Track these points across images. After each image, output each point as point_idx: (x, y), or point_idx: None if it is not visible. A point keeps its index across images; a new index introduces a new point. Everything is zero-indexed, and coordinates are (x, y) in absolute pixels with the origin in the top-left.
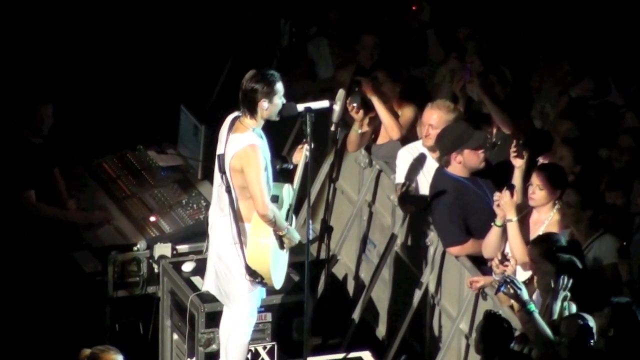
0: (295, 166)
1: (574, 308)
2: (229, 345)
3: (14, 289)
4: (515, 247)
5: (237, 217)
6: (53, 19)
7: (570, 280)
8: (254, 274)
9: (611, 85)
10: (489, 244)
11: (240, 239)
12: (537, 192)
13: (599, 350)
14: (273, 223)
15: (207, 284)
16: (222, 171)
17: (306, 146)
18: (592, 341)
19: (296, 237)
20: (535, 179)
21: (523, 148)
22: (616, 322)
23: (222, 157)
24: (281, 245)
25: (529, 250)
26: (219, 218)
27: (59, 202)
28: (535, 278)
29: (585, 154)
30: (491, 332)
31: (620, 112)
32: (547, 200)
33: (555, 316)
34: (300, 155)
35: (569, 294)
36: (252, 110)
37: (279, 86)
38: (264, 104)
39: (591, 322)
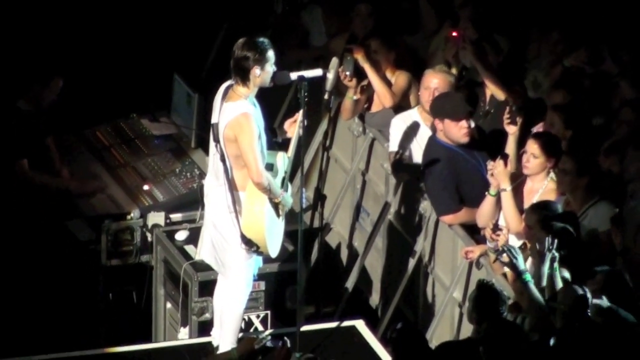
0: (285, 140)
1: (566, 274)
2: (223, 314)
3: (7, 257)
4: (510, 216)
5: (232, 186)
6: None
7: (556, 241)
8: (249, 243)
9: (605, 54)
10: (483, 213)
11: (235, 208)
12: (532, 160)
13: (593, 321)
14: (268, 191)
15: (202, 253)
16: (217, 140)
17: (300, 115)
18: (588, 312)
19: (289, 201)
20: (529, 147)
21: (516, 114)
22: (607, 289)
23: (216, 126)
24: (277, 213)
25: (525, 217)
26: (214, 187)
27: (53, 170)
28: (529, 245)
29: (577, 119)
30: (484, 301)
31: (614, 81)
32: (541, 168)
33: (544, 278)
34: (294, 127)
35: (556, 255)
36: (245, 78)
37: (271, 53)
38: (256, 71)
39: (589, 294)
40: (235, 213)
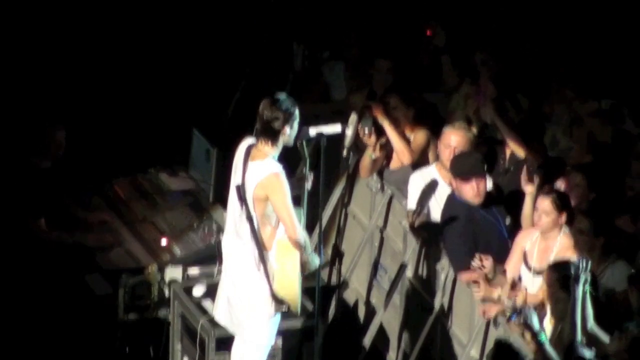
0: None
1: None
2: None
3: (26, 312)
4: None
5: (259, 246)
6: (62, 41)
7: (590, 263)
8: (280, 302)
9: (625, 114)
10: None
11: (264, 267)
12: (544, 217)
13: None
14: (303, 247)
15: (217, 314)
16: (243, 200)
17: (306, 172)
18: None
19: (316, 262)
20: (540, 205)
21: (534, 173)
22: (634, 349)
23: (242, 187)
24: (302, 270)
25: (546, 275)
26: (236, 247)
27: (70, 226)
28: (549, 306)
29: (599, 181)
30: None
31: (634, 140)
32: (554, 224)
33: (579, 302)
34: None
35: (589, 278)
36: (275, 139)
37: (297, 111)
38: (287, 130)
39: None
40: (265, 272)
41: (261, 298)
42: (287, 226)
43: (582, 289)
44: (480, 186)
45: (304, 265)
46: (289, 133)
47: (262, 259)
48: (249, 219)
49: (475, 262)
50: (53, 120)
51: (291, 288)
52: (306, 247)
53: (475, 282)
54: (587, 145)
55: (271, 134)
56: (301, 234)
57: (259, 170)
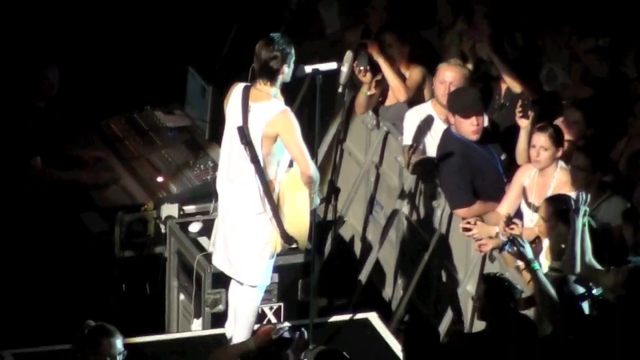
0: None
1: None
2: (239, 308)
3: (22, 250)
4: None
5: (266, 185)
6: None
7: (589, 196)
8: (289, 239)
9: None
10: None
11: (271, 206)
12: (542, 153)
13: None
14: (314, 184)
15: (215, 259)
16: (247, 142)
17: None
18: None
19: (317, 200)
20: (537, 141)
21: (529, 108)
22: (631, 283)
23: (244, 129)
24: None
25: (541, 210)
26: (234, 190)
27: (65, 164)
28: (546, 240)
29: (598, 118)
30: (494, 292)
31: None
32: (552, 160)
33: (578, 234)
34: None
35: (588, 209)
36: (273, 78)
37: (293, 49)
38: (284, 68)
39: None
40: (273, 212)
41: (265, 239)
42: (300, 163)
43: (581, 221)
44: (479, 122)
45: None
46: (287, 72)
47: (270, 199)
48: (255, 160)
49: (501, 225)
50: (47, 59)
51: (302, 224)
52: (315, 184)
53: (469, 223)
54: (583, 81)
55: (269, 74)
56: (314, 169)
57: (266, 110)
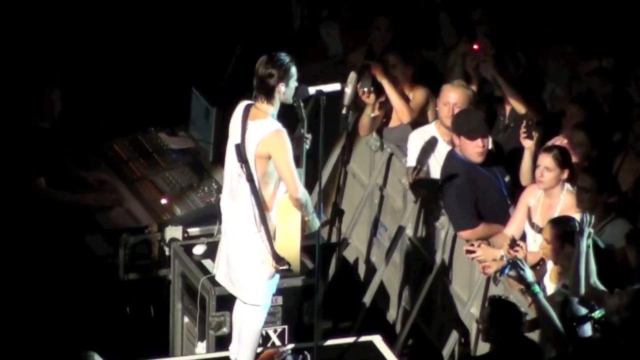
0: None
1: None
2: (242, 329)
3: (26, 272)
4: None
5: (260, 206)
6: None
7: (593, 218)
8: (281, 261)
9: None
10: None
11: (264, 227)
12: (546, 174)
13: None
14: (304, 207)
15: (218, 276)
16: (243, 160)
17: (304, 132)
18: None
19: (317, 223)
20: (542, 161)
21: (533, 128)
22: (635, 305)
23: (241, 146)
24: (303, 230)
25: (546, 231)
26: (235, 208)
27: (71, 185)
28: (550, 264)
29: (602, 138)
30: (499, 315)
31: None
32: (556, 181)
33: (583, 256)
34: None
35: (592, 231)
36: (270, 96)
37: (294, 69)
38: (281, 88)
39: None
40: (266, 232)
41: (261, 259)
42: (288, 184)
43: (585, 243)
44: (484, 144)
45: (305, 225)
46: (284, 91)
47: (263, 219)
48: (250, 179)
49: (504, 248)
50: (52, 80)
51: (292, 247)
52: (307, 207)
53: (473, 245)
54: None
55: (266, 91)
56: (303, 192)
57: (260, 128)
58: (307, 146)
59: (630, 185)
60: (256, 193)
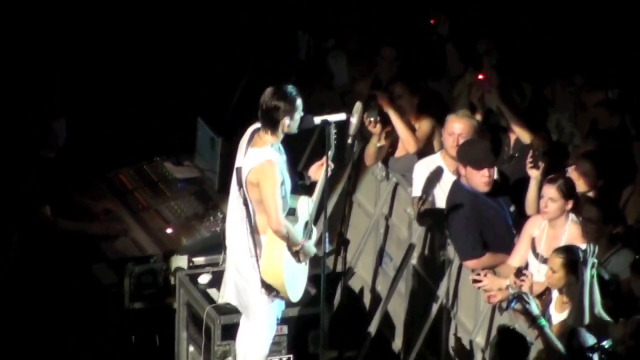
0: (312, 182)
1: (604, 314)
2: (247, 358)
3: (33, 301)
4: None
5: (254, 230)
6: (65, 31)
7: (597, 248)
8: (269, 288)
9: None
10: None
11: (256, 252)
12: (550, 204)
13: None
14: (287, 238)
15: (226, 296)
16: (240, 184)
17: (327, 159)
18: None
19: (312, 250)
20: (546, 192)
21: (539, 158)
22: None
23: (240, 170)
24: (297, 259)
25: (551, 261)
26: (235, 230)
27: (75, 215)
28: (555, 293)
29: (607, 169)
30: (508, 346)
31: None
32: (560, 212)
33: (587, 286)
34: (320, 170)
35: (596, 262)
36: (274, 128)
37: (299, 102)
38: (286, 121)
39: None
40: (256, 257)
41: (255, 282)
42: (269, 215)
43: (589, 273)
44: (491, 174)
45: (298, 254)
46: (288, 124)
47: (255, 244)
48: (245, 203)
49: (511, 278)
50: (57, 109)
51: (276, 275)
52: (290, 238)
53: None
54: (590, 132)
55: (270, 123)
56: (283, 225)
57: (255, 156)
58: (328, 174)
59: (637, 218)
60: (250, 218)
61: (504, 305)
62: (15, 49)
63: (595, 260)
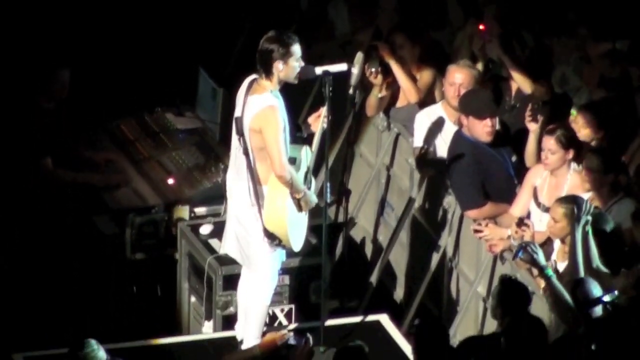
0: (310, 135)
1: (602, 268)
2: (248, 308)
3: (33, 252)
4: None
5: (255, 180)
6: None
7: (593, 206)
8: (271, 236)
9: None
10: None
11: (258, 202)
12: (550, 156)
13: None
14: (290, 185)
15: (227, 247)
16: (240, 133)
17: (324, 110)
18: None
19: (313, 200)
20: (545, 144)
21: (538, 111)
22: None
23: (240, 120)
24: (299, 208)
25: (553, 211)
26: (236, 181)
27: (77, 165)
28: (557, 241)
29: (609, 119)
30: (508, 296)
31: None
32: (561, 162)
33: (579, 243)
34: (318, 121)
35: (590, 219)
36: (268, 72)
37: (295, 48)
38: (279, 65)
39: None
40: (258, 207)
41: (257, 232)
42: (273, 161)
43: (582, 230)
44: (493, 123)
45: (299, 202)
46: (282, 68)
47: (256, 194)
48: (246, 152)
49: (512, 228)
50: (58, 60)
51: (279, 223)
52: (294, 184)
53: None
54: (596, 85)
55: (265, 66)
56: (287, 170)
57: (256, 103)
58: (325, 125)
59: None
60: (251, 167)
61: (509, 255)
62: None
63: (590, 218)
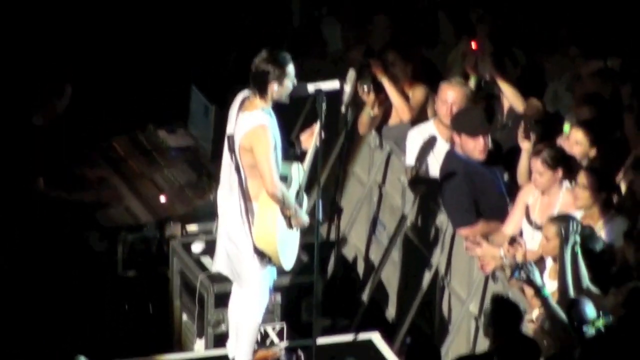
0: (302, 152)
1: (592, 288)
2: (240, 325)
3: (25, 269)
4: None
5: (246, 197)
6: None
7: (579, 226)
8: (261, 254)
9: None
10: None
11: (248, 219)
12: (538, 178)
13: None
14: (282, 202)
15: (217, 265)
16: (232, 150)
17: (317, 128)
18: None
19: (305, 218)
20: (533, 166)
21: (531, 129)
22: (630, 304)
23: (231, 137)
24: (289, 225)
25: (546, 229)
26: (227, 198)
27: (69, 184)
28: (549, 261)
29: (601, 137)
30: (500, 315)
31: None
32: (550, 182)
33: (567, 264)
34: (311, 139)
35: (578, 239)
36: (262, 92)
37: (290, 68)
38: (274, 86)
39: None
40: (248, 224)
41: (248, 250)
42: (264, 179)
43: (571, 250)
44: (486, 142)
45: (290, 220)
46: (277, 89)
47: (247, 210)
48: (237, 170)
49: (504, 247)
50: (54, 78)
51: (269, 241)
52: (286, 202)
53: (474, 242)
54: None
55: (259, 86)
56: (279, 188)
57: (247, 120)
58: (318, 144)
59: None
60: (241, 184)
61: (501, 274)
62: (15, 14)
63: (578, 238)
